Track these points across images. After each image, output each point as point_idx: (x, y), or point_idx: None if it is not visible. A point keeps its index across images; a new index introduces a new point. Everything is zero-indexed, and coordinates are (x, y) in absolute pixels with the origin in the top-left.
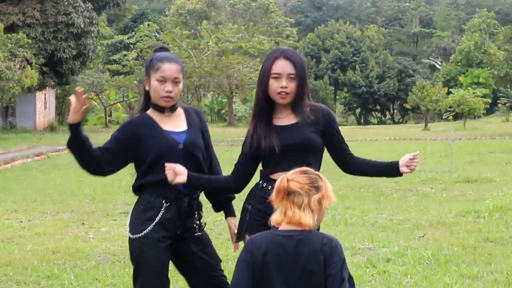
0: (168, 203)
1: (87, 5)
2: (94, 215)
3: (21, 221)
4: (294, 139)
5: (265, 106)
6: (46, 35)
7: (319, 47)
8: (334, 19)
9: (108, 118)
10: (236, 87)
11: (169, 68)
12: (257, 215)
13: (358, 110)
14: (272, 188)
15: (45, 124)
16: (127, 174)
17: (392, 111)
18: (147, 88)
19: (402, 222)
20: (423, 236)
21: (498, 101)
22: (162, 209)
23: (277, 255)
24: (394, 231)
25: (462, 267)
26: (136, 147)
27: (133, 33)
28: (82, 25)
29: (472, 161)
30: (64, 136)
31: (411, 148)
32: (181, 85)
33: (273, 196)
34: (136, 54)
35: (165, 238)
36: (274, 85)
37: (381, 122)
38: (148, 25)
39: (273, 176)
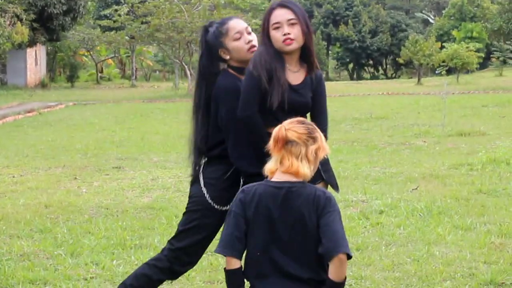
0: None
1: None
2: (86, 170)
3: (13, 176)
4: (301, 101)
5: (275, 61)
6: None
7: (312, 1)
8: None
9: (99, 74)
10: None
11: (237, 22)
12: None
13: (351, 65)
14: None
15: (36, 80)
16: (119, 129)
17: (385, 66)
18: (227, 56)
19: (395, 175)
20: (416, 189)
21: (492, 55)
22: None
23: (268, 207)
24: (387, 184)
25: (455, 218)
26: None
27: None
28: None
29: (465, 115)
30: (55, 93)
31: (404, 103)
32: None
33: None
34: (127, 9)
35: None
36: (277, 35)
37: (374, 77)
38: None
39: (270, 130)
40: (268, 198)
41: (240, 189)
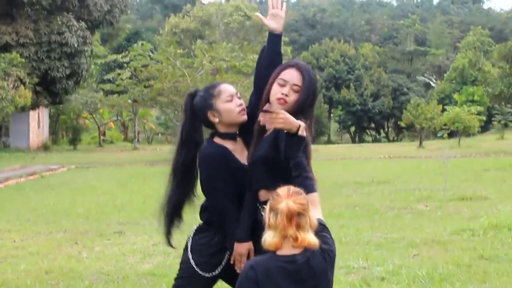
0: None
1: (81, 24)
2: (87, 234)
3: (14, 241)
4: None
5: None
6: (39, 55)
7: (313, 65)
8: (328, 38)
9: (102, 137)
10: None
11: (228, 87)
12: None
13: (352, 129)
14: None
15: (38, 143)
16: (120, 193)
17: (386, 129)
18: (216, 119)
19: (397, 241)
20: (417, 255)
21: (493, 119)
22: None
23: (287, 283)
24: (388, 250)
25: (456, 285)
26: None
27: (127, 52)
28: (75, 45)
29: (467, 179)
30: (57, 155)
31: (406, 166)
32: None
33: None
34: (130, 73)
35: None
36: (276, 90)
37: (375, 140)
38: (142, 44)
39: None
40: (285, 275)
41: (248, 265)
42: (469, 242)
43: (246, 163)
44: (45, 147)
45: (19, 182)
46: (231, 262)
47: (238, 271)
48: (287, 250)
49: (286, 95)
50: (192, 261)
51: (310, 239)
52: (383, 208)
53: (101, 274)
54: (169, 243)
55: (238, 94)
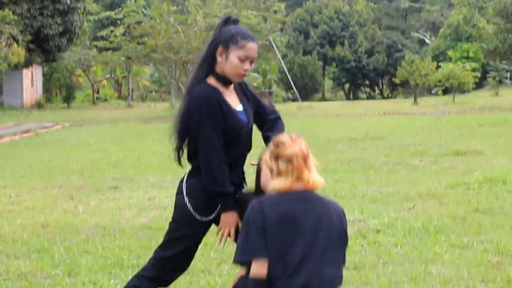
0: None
1: None
2: (83, 190)
3: (10, 196)
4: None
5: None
6: (32, 12)
7: (308, 22)
8: None
9: (95, 95)
10: None
11: (253, 49)
12: None
13: (347, 85)
14: None
15: (32, 101)
16: (115, 150)
17: (381, 86)
18: (219, 58)
19: (392, 194)
20: (413, 208)
21: (488, 75)
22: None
23: (297, 218)
24: (384, 203)
25: (452, 237)
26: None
27: (120, 8)
28: (68, 1)
29: (461, 135)
30: (51, 113)
31: (400, 123)
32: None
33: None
34: (123, 30)
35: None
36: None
37: (370, 97)
38: (135, 0)
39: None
40: (296, 210)
41: (256, 202)
42: (464, 196)
43: (237, 109)
44: (38, 105)
45: (13, 139)
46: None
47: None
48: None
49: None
50: (189, 204)
51: (318, 178)
52: (378, 163)
53: (97, 227)
54: (179, 161)
55: (252, 64)
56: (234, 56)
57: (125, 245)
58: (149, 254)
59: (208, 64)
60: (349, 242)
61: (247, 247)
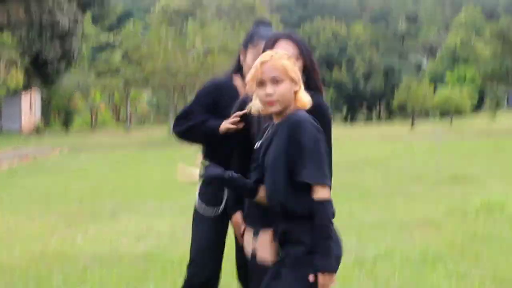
0: None
1: (72, 5)
2: (81, 217)
3: (8, 225)
4: None
5: None
6: (31, 36)
7: None
8: (320, 17)
9: (94, 119)
10: None
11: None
12: None
13: (344, 109)
14: None
15: (31, 126)
16: (113, 176)
17: (378, 110)
18: (241, 58)
19: (390, 221)
20: (410, 235)
21: (485, 99)
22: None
23: None
24: (381, 230)
25: (449, 265)
26: (213, 112)
27: (118, 31)
28: (67, 25)
29: (459, 160)
30: (50, 138)
31: (398, 147)
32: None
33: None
34: (122, 54)
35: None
36: None
37: (367, 120)
38: (134, 24)
39: None
40: None
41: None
42: (462, 223)
43: None
44: (37, 130)
45: (11, 165)
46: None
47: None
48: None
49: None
50: (197, 200)
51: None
52: (376, 189)
53: (95, 256)
54: None
55: None
56: (250, 56)
57: (123, 274)
58: (147, 284)
59: (237, 64)
60: (346, 271)
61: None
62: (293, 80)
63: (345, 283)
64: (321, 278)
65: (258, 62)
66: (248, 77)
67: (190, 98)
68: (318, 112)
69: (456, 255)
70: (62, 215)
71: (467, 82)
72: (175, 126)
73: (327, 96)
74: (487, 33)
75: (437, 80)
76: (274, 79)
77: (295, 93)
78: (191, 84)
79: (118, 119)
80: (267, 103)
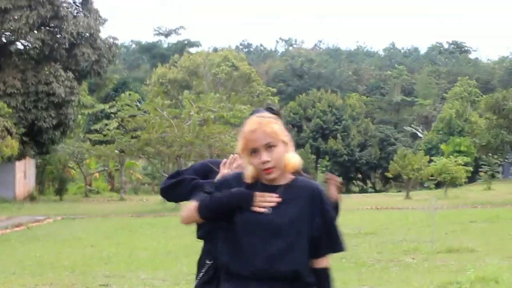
0: (211, 261)
1: (68, 75)
2: None
3: None
4: None
5: None
6: (26, 105)
7: (301, 115)
8: (316, 88)
9: (88, 187)
10: (217, 156)
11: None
12: None
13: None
14: None
15: (25, 194)
16: (107, 245)
17: (373, 180)
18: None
19: None
20: None
21: (480, 170)
22: (204, 268)
23: None
24: None
25: None
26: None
27: (114, 102)
28: (63, 95)
29: (454, 231)
30: (44, 206)
31: (393, 217)
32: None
33: None
34: (117, 124)
35: None
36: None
37: (362, 190)
38: (130, 94)
39: None
40: None
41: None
42: None
43: None
44: (31, 198)
45: (4, 233)
46: None
47: None
48: None
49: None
50: None
51: None
52: (370, 260)
53: None
54: None
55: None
56: None
57: None
58: None
59: None
60: None
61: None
62: (284, 143)
63: None
64: None
65: (246, 131)
66: (239, 147)
67: (185, 167)
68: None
69: None
70: (54, 284)
71: (462, 153)
72: (163, 182)
73: (322, 165)
74: (482, 105)
75: (432, 151)
76: (267, 145)
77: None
78: (186, 154)
79: (112, 187)
80: (264, 171)
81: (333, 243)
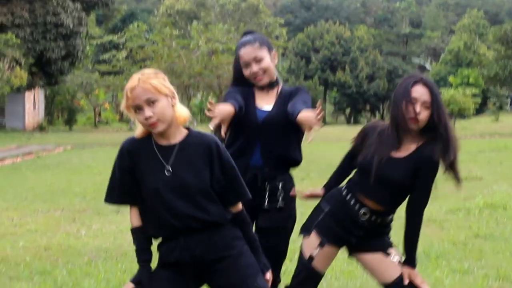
0: None
1: (76, 5)
2: (85, 213)
3: (12, 219)
4: (393, 176)
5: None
6: (35, 35)
7: (309, 47)
8: (324, 20)
9: (97, 118)
10: (225, 87)
11: (246, 53)
12: (331, 219)
13: (347, 110)
14: (357, 206)
15: (34, 124)
16: None
17: (381, 111)
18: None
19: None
20: None
21: (488, 101)
22: None
23: None
24: None
25: (452, 262)
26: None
27: (122, 33)
28: (71, 25)
29: (462, 160)
30: (53, 136)
31: None
32: (265, 60)
33: None
34: (126, 54)
35: None
36: (408, 109)
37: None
38: (138, 25)
39: (360, 198)
40: None
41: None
42: (465, 221)
43: (260, 108)
44: (40, 128)
45: (15, 162)
46: None
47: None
48: None
49: (418, 113)
50: None
51: None
52: None
53: (99, 250)
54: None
55: (257, 57)
56: (243, 67)
57: (127, 268)
58: None
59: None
60: (350, 266)
61: None
62: (167, 96)
63: (350, 277)
64: None
65: (127, 89)
66: (123, 105)
67: (194, 98)
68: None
69: (459, 253)
70: (66, 210)
71: (470, 84)
72: None
73: (330, 97)
74: (490, 36)
75: (440, 83)
76: (148, 101)
77: (173, 107)
78: (195, 84)
79: (121, 118)
80: (149, 126)
81: (238, 193)
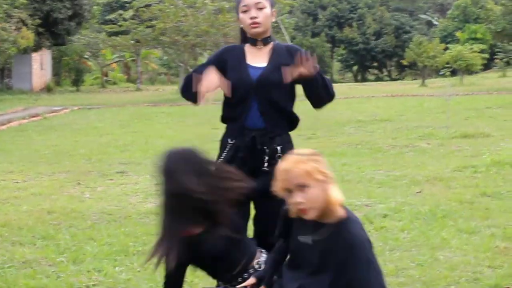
0: (233, 141)
1: None
2: (90, 175)
3: (17, 182)
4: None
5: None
6: None
7: (316, 4)
8: None
9: (104, 78)
10: None
11: None
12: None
13: (355, 67)
14: None
15: (41, 85)
16: (123, 134)
17: (389, 68)
18: (241, 25)
19: (399, 178)
20: (420, 192)
21: (495, 57)
22: (227, 147)
23: None
24: (391, 187)
25: (459, 222)
26: (223, 73)
27: None
28: None
29: (469, 117)
30: (60, 97)
31: (408, 104)
32: (266, 10)
33: None
34: (133, 13)
35: None
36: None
37: (378, 79)
38: None
39: None
40: None
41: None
42: (472, 179)
43: (254, 65)
44: (48, 89)
45: (21, 123)
46: None
47: None
48: None
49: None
50: None
51: None
52: (386, 146)
53: (103, 213)
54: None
55: (260, 4)
56: (240, 14)
57: (131, 231)
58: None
59: (241, 34)
60: None
61: None
62: (320, 181)
63: None
64: None
65: (280, 170)
66: (275, 186)
67: (201, 57)
68: None
69: (465, 212)
70: (70, 172)
71: (478, 40)
72: (181, 85)
73: (338, 54)
74: None
75: (447, 39)
76: (299, 186)
77: (326, 191)
78: (201, 43)
79: (129, 77)
80: (301, 212)
81: None
